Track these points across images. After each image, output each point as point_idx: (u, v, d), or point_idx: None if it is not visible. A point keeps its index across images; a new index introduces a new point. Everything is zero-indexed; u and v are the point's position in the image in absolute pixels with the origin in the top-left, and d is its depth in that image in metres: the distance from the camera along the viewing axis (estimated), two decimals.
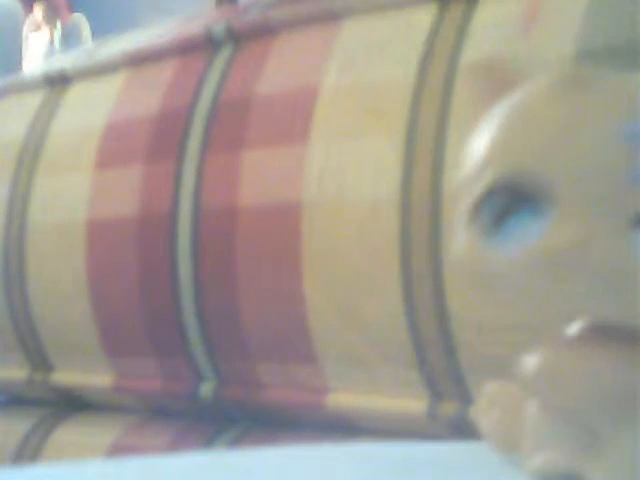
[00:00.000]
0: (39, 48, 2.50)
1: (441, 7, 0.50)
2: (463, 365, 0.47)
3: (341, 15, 0.54)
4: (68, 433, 0.64)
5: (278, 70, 0.55)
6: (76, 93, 0.66)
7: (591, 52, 0.43)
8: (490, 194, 0.26)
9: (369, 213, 0.49)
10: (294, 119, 0.53)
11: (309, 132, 0.52)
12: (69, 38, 2.52)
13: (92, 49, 0.69)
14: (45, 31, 2.54)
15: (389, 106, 0.49)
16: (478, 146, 0.27)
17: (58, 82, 0.67)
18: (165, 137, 0.58)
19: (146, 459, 0.31)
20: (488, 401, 0.30)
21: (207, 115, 0.57)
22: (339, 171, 0.50)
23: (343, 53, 0.52)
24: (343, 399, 0.52)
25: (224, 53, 0.58)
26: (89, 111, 0.64)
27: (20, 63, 2.43)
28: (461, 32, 0.48)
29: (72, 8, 2.63)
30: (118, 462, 0.32)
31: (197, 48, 0.60)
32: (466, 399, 0.47)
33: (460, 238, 0.27)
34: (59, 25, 2.56)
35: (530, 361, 0.28)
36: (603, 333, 0.27)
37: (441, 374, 0.48)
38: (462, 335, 0.47)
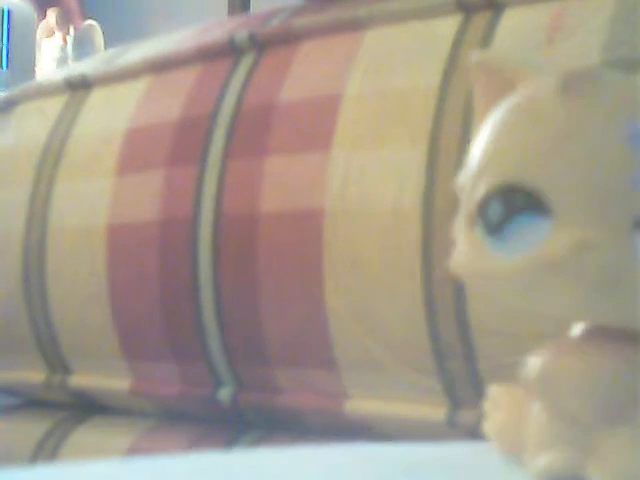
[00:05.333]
0: (52, 54, 2.50)
1: (465, 17, 0.50)
2: (483, 373, 0.47)
3: (365, 24, 0.54)
4: (85, 436, 0.65)
5: (301, 78, 0.55)
6: (98, 98, 0.66)
7: (616, 62, 0.43)
8: (490, 200, 0.26)
9: (391, 221, 0.49)
10: (317, 126, 0.53)
11: (332, 139, 0.52)
12: (82, 44, 2.52)
13: (114, 55, 0.69)
14: (58, 37, 2.55)
15: (412, 114, 0.50)
16: (477, 149, 0.27)
17: (80, 87, 0.68)
18: (187, 143, 0.59)
19: (154, 460, 0.31)
20: (492, 403, 0.31)
21: (229, 121, 0.57)
22: (362, 178, 0.50)
23: (366, 61, 0.53)
24: (362, 405, 0.52)
25: (247, 60, 0.59)
26: (110, 116, 0.64)
27: (34, 68, 2.44)
28: (485, 42, 0.48)
29: (85, 15, 2.63)
30: (127, 462, 0.32)
31: (220, 55, 0.60)
32: None
33: (460, 244, 0.27)
34: (72, 31, 2.56)
35: (533, 363, 0.28)
36: (605, 335, 0.27)
37: (461, 382, 0.48)
38: (482, 343, 0.47)
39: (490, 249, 0.26)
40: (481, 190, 0.26)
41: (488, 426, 0.30)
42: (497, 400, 0.30)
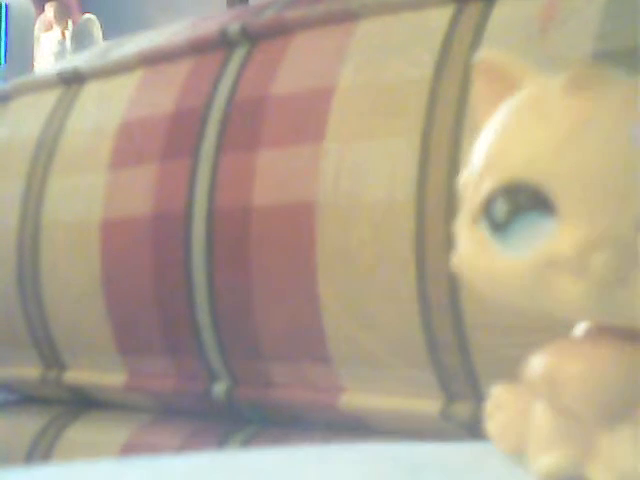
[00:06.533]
0: (50, 48, 2.50)
1: (458, 7, 0.50)
2: (477, 366, 0.47)
3: (357, 15, 0.54)
4: (80, 432, 0.65)
5: (293, 70, 0.55)
6: (91, 92, 0.66)
7: (609, 53, 0.43)
8: (495, 198, 0.26)
9: (384, 214, 0.49)
10: (309, 119, 0.53)
11: (324, 132, 0.52)
12: (80, 38, 2.52)
13: (107, 48, 0.69)
14: (56, 31, 2.55)
15: (405, 107, 0.49)
16: (482, 147, 0.27)
17: (73, 81, 0.68)
18: (180, 136, 0.58)
19: (153, 459, 0.31)
20: (495, 403, 0.31)
21: (222, 115, 0.57)
22: (354, 171, 0.50)
23: (359, 53, 0.52)
24: (356, 399, 0.52)
25: (239, 53, 0.58)
26: (104, 110, 0.64)
27: (32, 63, 2.44)
28: (478, 32, 0.48)
29: (83, 8, 2.63)
30: (126, 462, 0.32)
31: (212, 48, 0.60)
32: (480, 400, 0.47)
33: (463, 241, 0.27)
34: (70, 25, 2.56)
35: (535, 362, 0.28)
36: (607, 335, 0.27)
37: (455, 375, 0.48)
38: (476, 336, 0.47)
39: (494, 247, 0.26)
40: (486, 188, 0.26)
41: (490, 426, 0.30)
42: (499, 400, 0.30)
